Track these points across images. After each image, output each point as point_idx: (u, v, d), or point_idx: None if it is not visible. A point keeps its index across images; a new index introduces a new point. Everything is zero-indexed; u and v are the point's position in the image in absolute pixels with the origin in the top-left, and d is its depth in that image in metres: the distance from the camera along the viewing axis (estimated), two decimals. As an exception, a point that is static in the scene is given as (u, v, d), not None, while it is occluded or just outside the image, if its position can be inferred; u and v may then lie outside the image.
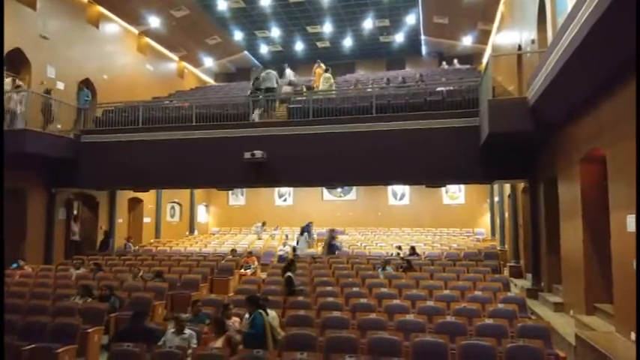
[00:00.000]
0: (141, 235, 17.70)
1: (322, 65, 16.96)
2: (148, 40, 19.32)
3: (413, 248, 13.18)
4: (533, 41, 10.48)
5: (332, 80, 15.11)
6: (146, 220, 18.08)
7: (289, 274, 8.95)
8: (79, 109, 13.99)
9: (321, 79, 14.85)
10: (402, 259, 11.64)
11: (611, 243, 6.23)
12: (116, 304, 8.28)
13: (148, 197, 17.86)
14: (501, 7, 15.80)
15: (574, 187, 7.84)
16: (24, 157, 11.68)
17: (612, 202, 6.16)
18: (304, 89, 14.77)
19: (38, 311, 7.60)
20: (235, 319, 6.84)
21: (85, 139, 13.40)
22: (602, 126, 6.45)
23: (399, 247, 14.10)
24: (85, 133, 13.51)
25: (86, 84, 15.12)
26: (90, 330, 7.00)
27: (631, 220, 5.50)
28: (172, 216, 20.25)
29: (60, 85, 14.07)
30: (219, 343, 5.71)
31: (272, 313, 6.93)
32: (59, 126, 13.18)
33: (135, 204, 17.74)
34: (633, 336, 5.39)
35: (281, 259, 14.87)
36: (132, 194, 16.96)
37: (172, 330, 6.00)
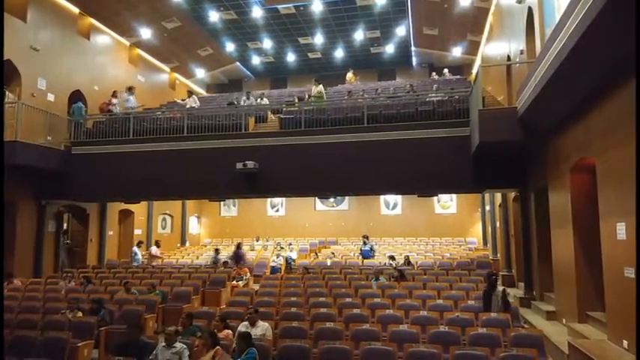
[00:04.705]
0: (131, 247, 17.50)
1: (350, 74, 21.90)
2: (139, 51, 19.32)
3: (407, 258, 13.19)
4: (521, 52, 10.62)
5: (323, 92, 15.30)
6: (137, 231, 17.93)
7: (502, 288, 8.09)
8: (70, 121, 13.91)
9: (314, 92, 14.98)
10: (395, 268, 11.64)
11: (601, 251, 6.27)
12: (106, 318, 8.18)
13: (138, 209, 17.74)
14: (490, 19, 16.01)
15: (564, 196, 7.90)
16: (14, 169, 11.58)
17: (602, 210, 6.21)
18: (296, 100, 14.84)
19: (27, 325, 7.50)
20: (227, 331, 6.79)
21: (75, 151, 13.32)
22: (591, 135, 6.52)
23: (392, 257, 14.08)
24: (75, 145, 13.43)
25: (78, 96, 15.06)
26: (79, 344, 6.90)
27: (621, 228, 5.55)
28: (164, 227, 20.11)
29: (50, 97, 14.01)
30: (207, 357, 5.63)
31: (265, 325, 6.89)
32: (49, 137, 13.10)
33: (126, 216, 17.61)
34: (625, 343, 5.41)
35: (274, 270, 14.79)
36: (123, 206, 16.84)
37: (163, 344, 5.92)
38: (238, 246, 15.02)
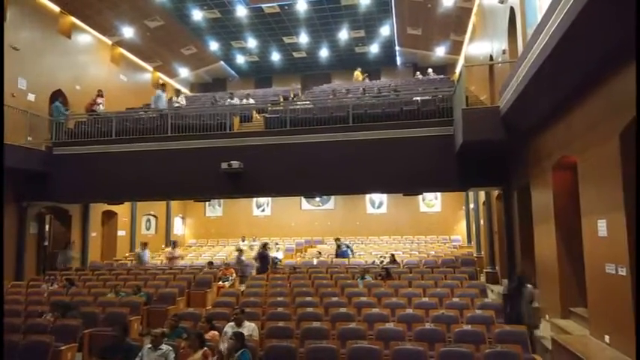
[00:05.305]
0: (115, 248, 17.35)
1: (358, 72, 22.51)
2: (121, 50, 19.10)
3: (392, 256, 13.27)
4: (504, 51, 10.74)
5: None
6: (121, 233, 17.73)
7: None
8: (51, 121, 13.69)
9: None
10: (382, 267, 11.70)
11: (583, 248, 6.38)
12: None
13: (122, 210, 17.54)
14: (473, 19, 16.17)
15: (546, 194, 8.01)
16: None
17: (583, 207, 6.31)
18: (281, 99, 14.82)
19: (9, 329, 7.36)
20: (214, 332, 6.76)
21: (57, 151, 13.12)
22: (572, 134, 6.62)
23: (382, 256, 14.22)
24: (57, 145, 13.22)
25: (59, 96, 14.82)
26: (63, 348, 6.81)
27: (602, 224, 5.64)
28: (148, 228, 19.92)
29: (31, 97, 13.77)
30: (197, 356, 5.61)
31: (251, 325, 6.87)
32: (30, 138, 12.88)
33: (109, 217, 17.39)
34: (607, 338, 5.52)
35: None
36: (106, 207, 16.63)
37: (149, 346, 5.88)
38: (264, 246, 13.86)
